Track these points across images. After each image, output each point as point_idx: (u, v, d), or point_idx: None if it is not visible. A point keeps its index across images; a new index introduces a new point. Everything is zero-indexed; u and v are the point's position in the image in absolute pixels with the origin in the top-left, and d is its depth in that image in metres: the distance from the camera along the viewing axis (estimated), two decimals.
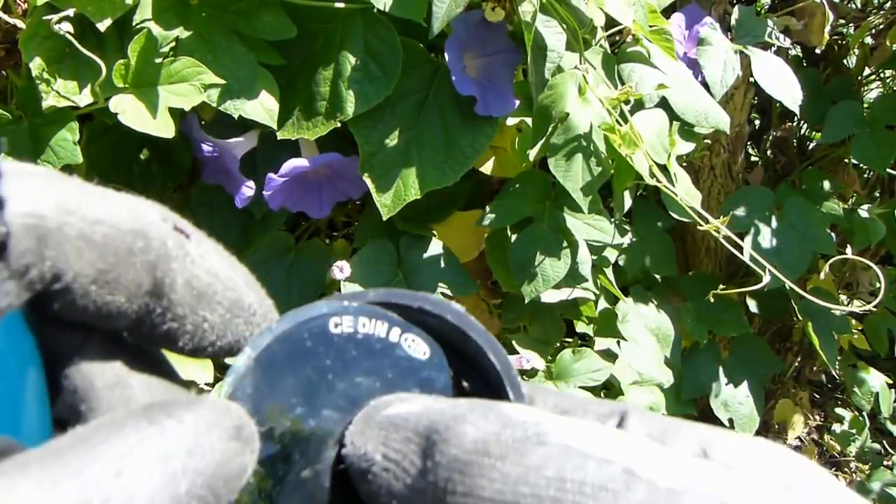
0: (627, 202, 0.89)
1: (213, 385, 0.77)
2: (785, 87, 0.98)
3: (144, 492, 0.13)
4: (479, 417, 0.16)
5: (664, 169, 0.79)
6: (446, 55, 0.70)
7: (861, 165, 1.36)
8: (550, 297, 0.86)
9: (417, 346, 0.18)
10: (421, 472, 0.15)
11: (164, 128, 0.64)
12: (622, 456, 0.15)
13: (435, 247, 0.82)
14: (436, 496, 0.15)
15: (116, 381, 0.17)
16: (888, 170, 1.23)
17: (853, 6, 1.42)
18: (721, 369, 1.27)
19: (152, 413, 0.14)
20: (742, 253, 0.81)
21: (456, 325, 0.17)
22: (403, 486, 0.16)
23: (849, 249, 1.17)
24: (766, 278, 0.82)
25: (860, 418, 1.63)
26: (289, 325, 0.17)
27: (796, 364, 1.58)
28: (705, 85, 0.94)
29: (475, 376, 0.18)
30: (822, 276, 1.11)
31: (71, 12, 0.61)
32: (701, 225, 0.79)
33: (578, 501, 0.14)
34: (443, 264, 0.81)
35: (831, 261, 1.07)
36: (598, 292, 0.93)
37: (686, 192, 0.82)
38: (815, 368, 1.63)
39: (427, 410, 0.16)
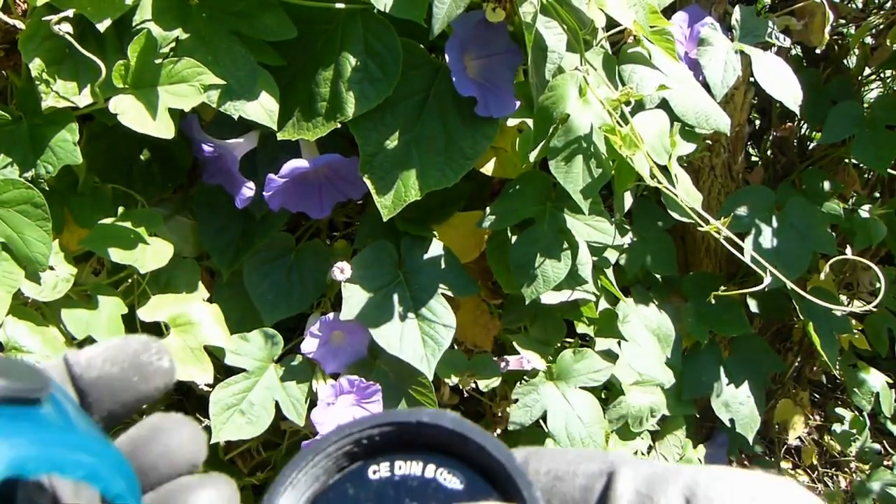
0: (628, 202, 0.89)
1: (212, 386, 0.77)
2: (785, 87, 0.98)
3: None
4: None
5: (665, 170, 0.79)
6: (447, 56, 0.70)
7: (861, 165, 1.36)
8: (551, 298, 0.86)
9: (453, 478, 0.18)
10: None
11: (164, 128, 0.64)
12: None
13: (436, 248, 0.82)
14: None
15: None
16: (888, 170, 1.23)
17: (853, 6, 1.42)
18: (722, 369, 1.27)
19: None
20: (742, 253, 0.81)
21: (454, 430, 0.18)
22: None
23: (848, 250, 1.17)
24: (767, 278, 0.82)
25: (860, 418, 1.63)
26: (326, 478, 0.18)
27: (796, 364, 1.58)
28: (706, 85, 0.94)
29: (476, 473, 0.19)
30: (822, 276, 1.11)
31: (70, 13, 0.61)
32: (701, 226, 0.78)
33: None
34: (443, 265, 0.81)
35: (831, 261, 1.06)
36: (598, 293, 0.93)
37: (686, 193, 0.81)
38: (815, 368, 1.63)
39: None
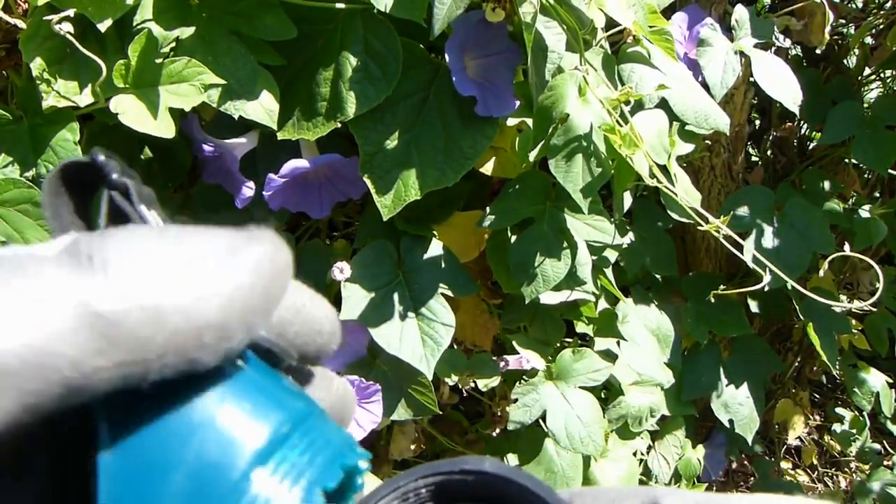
0: (627, 202, 0.89)
1: None
2: (785, 87, 0.98)
3: None
4: None
5: (664, 169, 0.79)
6: (447, 56, 0.70)
7: (861, 165, 1.36)
8: (550, 298, 0.86)
9: None
10: None
11: (164, 128, 0.64)
12: None
13: (435, 247, 0.82)
14: None
15: None
16: (888, 170, 1.23)
17: (853, 6, 1.42)
18: (721, 370, 1.27)
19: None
20: (742, 253, 0.81)
21: (496, 473, 0.18)
22: None
23: (847, 248, 1.17)
24: (767, 278, 0.82)
25: (860, 418, 1.63)
26: None
27: (796, 364, 1.58)
28: (705, 85, 0.94)
29: None
30: (821, 273, 1.11)
31: (71, 12, 0.61)
32: (701, 225, 0.79)
33: None
34: (443, 265, 0.81)
35: (830, 258, 1.06)
36: (598, 293, 0.93)
37: (686, 193, 0.82)
38: (815, 368, 1.63)
39: None
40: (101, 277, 0.14)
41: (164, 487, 0.15)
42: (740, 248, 0.81)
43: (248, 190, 0.76)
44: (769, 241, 1.17)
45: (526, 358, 0.91)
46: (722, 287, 1.11)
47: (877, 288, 0.98)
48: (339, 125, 0.71)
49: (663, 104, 0.84)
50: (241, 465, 0.16)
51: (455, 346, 0.91)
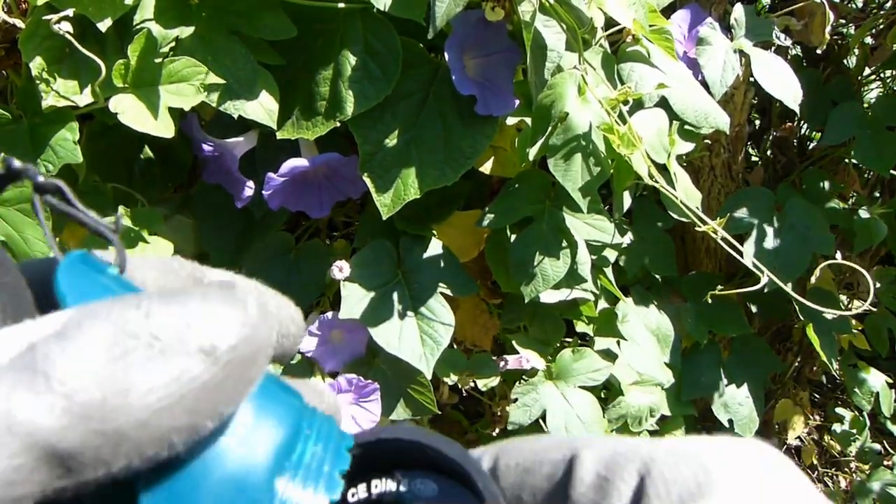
0: (627, 202, 0.89)
1: None
2: (785, 86, 0.98)
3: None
4: None
5: (664, 169, 0.79)
6: (446, 55, 0.70)
7: (861, 165, 1.36)
8: (550, 297, 0.86)
9: (426, 487, 0.19)
10: None
11: (164, 128, 0.64)
12: None
13: (435, 247, 0.82)
14: None
15: None
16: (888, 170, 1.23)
17: (853, 6, 1.42)
18: (721, 370, 1.27)
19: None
20: (741, 254, 0.81)
21: (411, 440, 0.19)
22: None
23: (838, 255, 1.17)
24: (763, 279, 0.82)
25: (860, 418, 1.63)
26: None
27: (796, 364, 1.58)
28: (705, 85, 0.94)
29: (447, 478, 0.20)
30: (813, 280, 1.10)
31: (71, 12, 0.61)
32: (699, 226, 0.79)
33: None
34: (443, 264, 0.81)
35: (823, 265, 1.06)
36: (597, 292, 0.93)
37: (685, 193, 0.82)
38: (815, 368, 1.63)
39: None
40: (56, 402, 0.13)
41: None
42: (738, 249, 0.81)
43: (248, 189, 0.76)
44: (769, 241, 1.17)
45: (526, 357, 0.91)
46: (720, 287, 1.11)
47: (877, 289, 0.98)
48: (339, 124, 0.71)
49: (663, 103, 0.84)
50: (262, 476, 0.16)
51: (454, 346, 0.91)
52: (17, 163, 0.18)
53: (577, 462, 0.18)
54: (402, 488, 0.19)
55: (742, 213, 1.17)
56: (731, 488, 0.16)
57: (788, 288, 0.88)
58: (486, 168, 0.83)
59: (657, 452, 0.17)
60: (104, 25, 0.62)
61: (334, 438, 0.18)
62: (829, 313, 1.03)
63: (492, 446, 0.20)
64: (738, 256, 0.81)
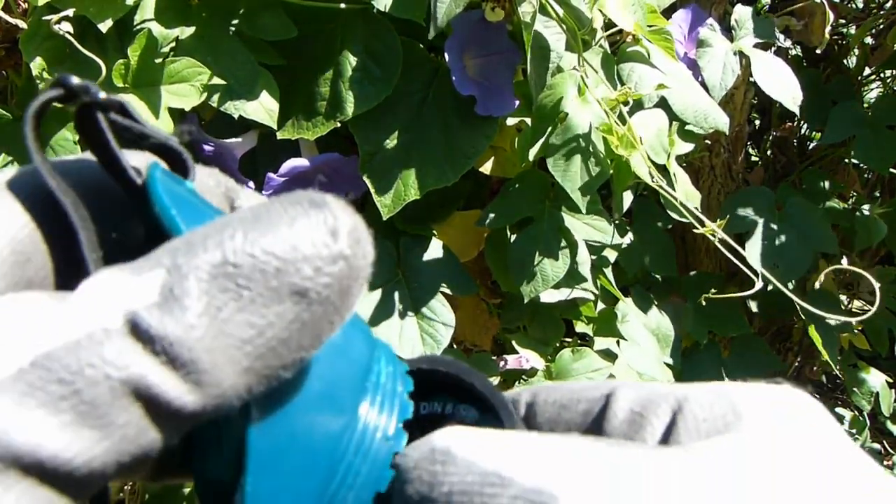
0: (627, 202, 0.89)
1: None
2: (785, 87, 0.98)
3: None
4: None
5: (663, 169, 0.79)
6: (446, 55, 0.70)
7: (861, 165, 1.36)
8: (550, 297, 0.87)
9: (467, 412, 0.21)
10: None
11: (164, 128, 0.64)
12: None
13: (435, 247, 0.82)
14: None
15: None
16: (888, 169, 1.23)
17: (853, 6, 1.42)
18: (721, 370, 1.27)
19: None
20: (739, 255, 0.81)
21: (448, 372, 0.21)
22: None
23: (844, 261, 1.17)
24: (759, 283, 0.82)
25: (860, 418, 1.63)
26: None
27: (796, 364, 1.58)
28: (705, 85, 0.94)
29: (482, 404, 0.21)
30: (817, 285, 1.10)
31: (71, 12, 0.61)
32: (697, 228, 0.79)
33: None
34: (443, 264, 0.81)
35: (826, 270, 1.06)
36: (597, 292, 0.93)
37: (685, 193, 0.82)
38: (815, 368, 1.63)
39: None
40: (172, 373, 0.14)
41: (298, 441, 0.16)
42: (736, 250, 0.81)
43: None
44: (770, 241, 1.17)
45: (525, 357, 0.91)
46: (713, 290, 1.11)
47: (878, 288, 0.98)
48: (339, 125, 0.71)
49: (663, 104, 0.84)
50: (349, 400, 0.17)
51: (454, 346, 0.91)
52: (75, 79, 0.17)
53: (613, 399, 0.19)
54: (447, 411, 0.20)
55: (742, 212, 1.17)
56: (758, 425, 0.17)
57: (789, 288, 0.88)
58: (486, 168, 0.83)
59: (691, 392, 0.18)
60: (104, 25, 0.62)
61: (396, 360, 0.20)
62: (832, 318, 1.03)
63: (530, 387, 0.21)
64: (734, 259, 0.81)
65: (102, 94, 0.17)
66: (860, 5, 1.42)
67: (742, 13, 1.03)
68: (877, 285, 0.95)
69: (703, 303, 1.01)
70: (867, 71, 1.39)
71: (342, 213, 0.15)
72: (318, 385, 0.17)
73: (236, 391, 0.14)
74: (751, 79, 1.06)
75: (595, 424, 0.19)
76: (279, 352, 0.14)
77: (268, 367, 0.14)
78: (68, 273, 0.17)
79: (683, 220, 0.83)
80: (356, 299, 0.15)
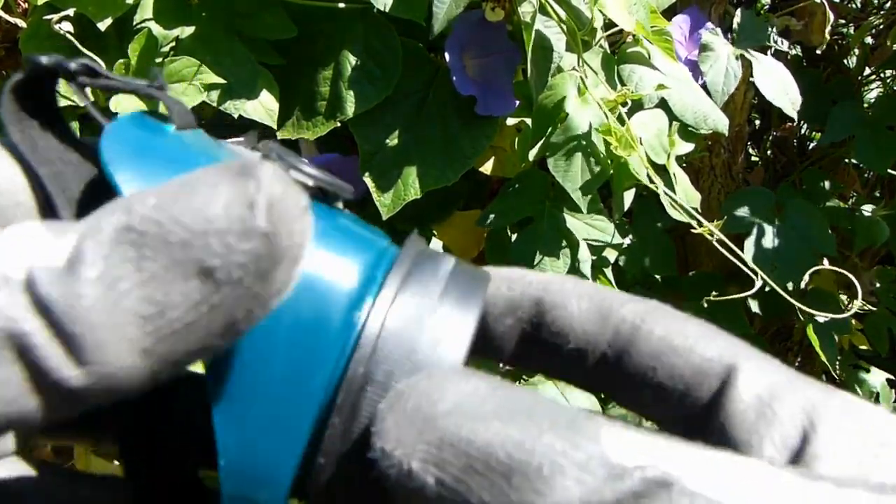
0: (627, 202, 0.89)
1: None
2: (784, 92, 0.99)
3: None
4: (582, 466, 0.12)
5: (663, 169, 0.79)
6: (446, 55, 0.70)
7: (861, 165, 1.36)
8: None
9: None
10: None
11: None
12: None
13: (435, 247, 0.82)
14: None
15: None
16: (888, 170, 1.23)
17: (853, 6, 1.42)
18: None
19: None
20: (737, 255, 0.81)
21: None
22: None
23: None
24: (758, 283, 0.82)
25: None
26: None
27: (796, 364, 1.58)
28: (705, 88, 0.94)
29: None
30: (805, 281, 1.10)
31: (71, 12, 0.61)
32: (695, 228, 0.79)
33: None
34: None
35: (813, 270, 1.06)
36: None
37: (685, 193, 0.82)
38: (815, 368, 1.63)
39: (498, 436, 0.12)
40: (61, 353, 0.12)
41: (270, 364, 0.15)
42: (740, 246, 0.81)
43: None
44: (770, 241, 1.17)
45: None
46: (714, 293, 1.11)
47: (876, 288, 0.98)
48: (339, 124, 0.71)
49: (662, 104, 0.84)
50: (339, 315, 0.15)
51: None
52: (43, 58, 0.16)
53: (739, 374, 0.16)
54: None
55: (742, 212, 1.17)
56: None
57: (789, 287, 0.88)
58: (486, 168, 0.83)
59: (829, 403, 0.15)
60: (104, 25, 0.62)
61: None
62: (825, 316, 1.03)
63: (647, 301, 0.19)
64: (733, 259, 0.81)
65: (72, 64, 0.17)
66: (860, 5, 1.42)
67: (743, 17, 1.03)
68: (873, 284, 0.95)
69: (705, 304, 1.01)
70: (867, 71, 1.39)
71: (270, 183, 0.13)
72: (291, 323, 0.15)
73: (132, 373, 0.13)
74: (751, 79, 1.06)
75: (708, 391, 0.16)
76: (184, 336, 0.13)
77: (172, 351, 0.13)
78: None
79: (684, 219, 0.83)
80: (283, 286, 0.13)
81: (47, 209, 0.16)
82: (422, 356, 0.15)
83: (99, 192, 0.17)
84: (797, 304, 0.85)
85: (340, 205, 0.19)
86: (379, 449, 0.13)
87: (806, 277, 1.07)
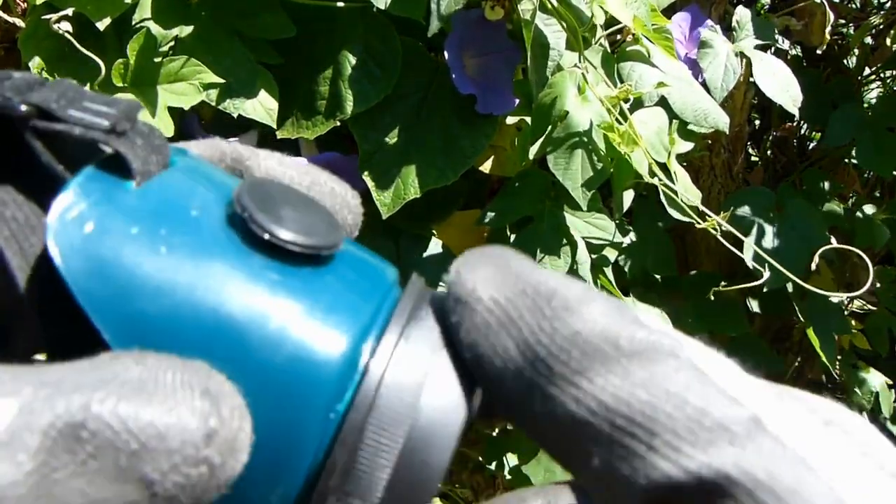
0: (627, 201, 0.89)
1: None
2: (784, 89, 0.99)
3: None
4: (611, 308, 0.15)
5: (664, 167, 0.79)
6: (446, 54, 0.70)
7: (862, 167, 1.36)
8: None
9: None
10: (532, 332, 0.14)
11: (163, 127, 0.64)
12: (754, 403, 0.14)
13: (434, 246, 0.82)
14: (543, 362, 0.14)
15: None
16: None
17: (853, 6, 1.42)
18: None
19: None
20: (741, 251, 0.81)
21: None
22: (508, 337, 0.15)
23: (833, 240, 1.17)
24: (766, 274, 0.82)
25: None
26: None
27: (796, 364, 1.58)
28: (705, 86, 0.94)
29: None
30: (813, 266, 1.10)
31: (70, 11, 0.61)
32: (700, 223, 0.79)
33: (692, 429, 0.13)
34: (443, 263, 0.81)
35: (822, 249, 1.06)
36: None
37: (685, 190, 0.82)
38: (815, 368, 1.62)
39: (555, 279, 0.15)
40: None
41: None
42: (739, 246, 0.81)
43: None
44: (769, 241, 1.17)
45: None
46: (722, 283, 1.11)
47: (877, 288, 0.98)
48: (339, 124, 0.71)
49: (663, 102, 0.84)
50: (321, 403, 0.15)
51: None
52: None
53: None
54: None
55: (742, 212, 1.17)
56: None
57: (792, 283, 0.88)
58: (486, 167, 0.83)
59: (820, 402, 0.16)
60: (103, 24, 0.62)
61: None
62: (835, 296, 1.03)
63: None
64: (738, 252, 0.81)
65: (22, 107, 0.15)
66: (860, 5, 1.42)
67: (743, 14, 1.03)
68: (873, 277, 0.95)
69: (710, 299, 1.01)
70: (867, 71, 1.39)
71: (230, 417, 0.14)
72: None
73: None
74: (751, 79, 1.06)
75: None
76: None
77: None
78: None
79: (684, 218, 0.82)
80: (230, 477, 0.14)
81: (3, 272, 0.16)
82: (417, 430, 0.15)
83: None
84: (806, 286, 0.85)
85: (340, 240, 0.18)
86: (455, 271, 0.16)
87: (815, 261, 1.07)
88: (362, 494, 0.14)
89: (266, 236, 0.15)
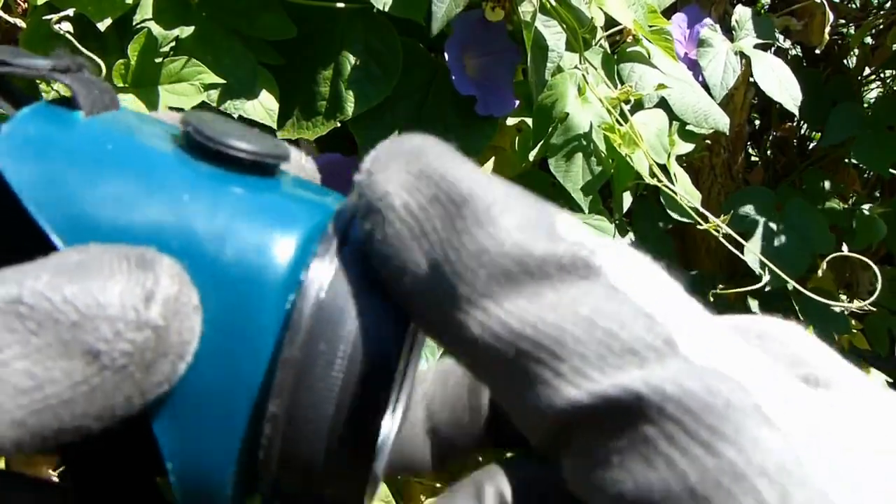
0: (627, 202, 0.89)
1: None
2: (784, 88, 0.99)
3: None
4: (527, 219, 0.14)
5: (664, 168, 0.79)
6: (446, 55, 0.70)
7: (861, 165, 1.36)
8: None
9: None
10: (441, 248, 0.14)
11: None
12: (673, 320, 0.13)
13: None
14: (448, 281, 0.13)
15: None
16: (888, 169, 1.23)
17: (853, 6, 1.42)
18: None
19: None
20: (742, 252, 0.81)
21: None
22: (420, 252, 0.14)
23: (845, 248, 1.17)
24: (766, 277, 0.82)
25: None
26: None
27: None
28: (705, 86, 0.94)
29: None
30: (819, 273, 1.11)
31: (71, 12, 0.61)
32: (700, 224, 0.79)
33: (601, 353, 0.13)
34: None
35: (829, 257, 1.06)
36: None
37: (686, 191, 0.82)
38: None
39: (472, 181, 0.14)
40: None
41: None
42: (740, 247, 0.81)
43: None
44: (769, 241, 1.17)
45: None
46: (721, 286, 1.11)
47: (876, 288, 0.98)
48: (339, 124, 0.71)
49: (663, 104, 0.84)
50: (270, 305, 0.15)
51: None
52: None
53: None
54: None
55: (743, 212, 1.17)
56: None
57: (792, 284, 0.88)
58: (487, 168, 0.83)
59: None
60: (104, 25, 0.62)
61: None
62: (836, 305, 1.03)
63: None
64: (739, 254, 0.81)
65: None
66: (860, 5, 1.42)
67: (742, 14, 1.03)
68: (878, 280, 0.95)
69: (711, 298, 1.01)
70: (867, 71, 1.39)
71: (167, 280, 0.13)
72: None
73: (1, 442, 0.12)
74: (751, 79, 1.06)
75: None
76: (58, 413, 0.13)
77: (43, 426, 0.13)
78: None
79: (685, 219, 0.83)
80: (165, 378, 0.14)
81: None
82: (351, 326, 0.14)
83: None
84: (804, 291, 0.85)
85: (288, 167, 0.18)
86: (366, 171, 0.15)
87: (822, 267, 1.07)
88: (322, 376, 0.14)
89: (212, 145, 0.15)
